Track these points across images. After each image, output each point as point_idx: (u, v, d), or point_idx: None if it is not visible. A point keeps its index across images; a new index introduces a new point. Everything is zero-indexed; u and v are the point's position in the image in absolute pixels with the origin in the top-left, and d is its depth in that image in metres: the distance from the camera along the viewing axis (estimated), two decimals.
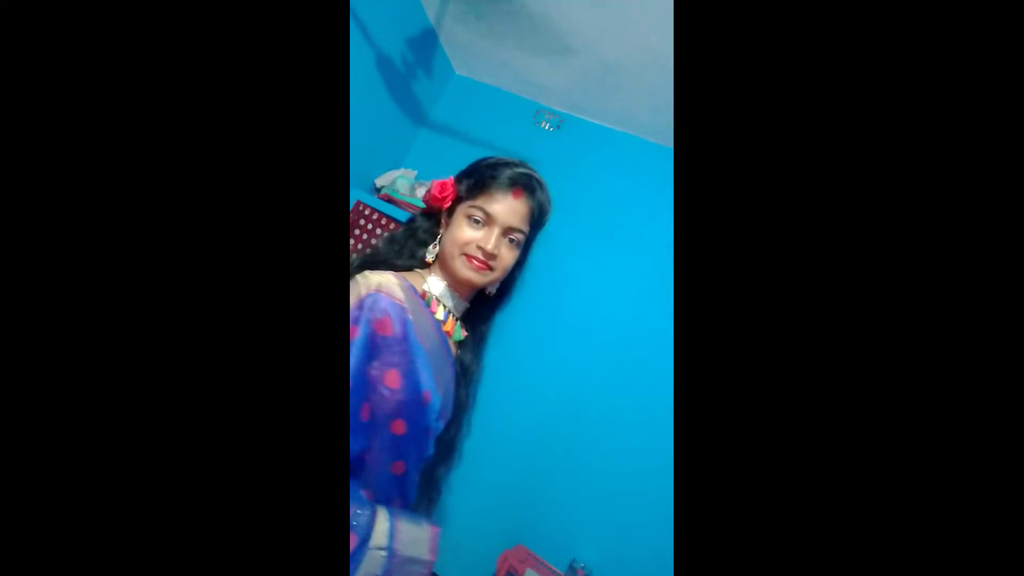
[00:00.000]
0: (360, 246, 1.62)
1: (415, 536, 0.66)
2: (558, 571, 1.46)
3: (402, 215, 1.60)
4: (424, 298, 0.71)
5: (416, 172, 1.87)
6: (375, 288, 0.64)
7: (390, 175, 1.80)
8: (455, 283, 0.73)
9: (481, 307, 0.81)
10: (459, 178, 0.75)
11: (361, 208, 1.64)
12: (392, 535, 0.63)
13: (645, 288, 1.69)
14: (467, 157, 2.09)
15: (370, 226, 1.63)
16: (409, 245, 0.76)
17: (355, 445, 0.62)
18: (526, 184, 0.71)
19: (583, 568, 1.45)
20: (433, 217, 0.77)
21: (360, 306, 0.62)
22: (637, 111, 1.72)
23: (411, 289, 0.69)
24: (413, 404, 0.66)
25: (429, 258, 0.74)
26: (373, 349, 0.62)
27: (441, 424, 0.74)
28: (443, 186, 0.74)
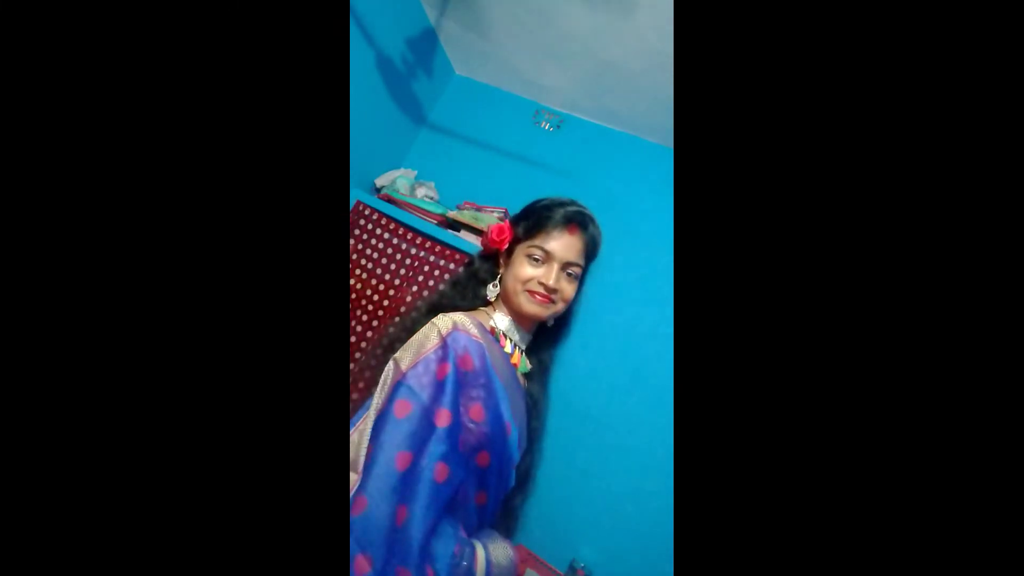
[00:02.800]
0: (360, 246, 1.62)
1: (504, 564, 0.67)
2: (558, 571, 1.46)
3: (402, 215, 1.60)
4: (493, 334, 0.74)
5: (416, 172, 1.87)
6: (453, 327, 0.67)
7: (390, 175, 1.80)
8: (519, 318, 0.77)
9: (540, 338, 0.84)
10: (515, 221, 0.79)
11: (361, 208, 1.64)
12: (488, 571, 0.64)
13: (645, 288, 1.69)
14: (467, 157, 2.08)
15: (370, 226, 1.63)
16: (471, 286, 0.80)
17: (456, 478, 0.63)
18: (579, 221, 0.76)
19: (583, 568, 1.45)
20: (492, 259, 0.81)
21: (444, 345, 0.65)
22: (637, 111, 1.72)
23: (481, 326, 0.72)
24: (496, 436, 0.68)
25: (491, 297, 0.78)
26: (459, 384, 0.65)
27: (519, 455, 0.76)
28: (500, 230, 0.78)
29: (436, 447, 0.60)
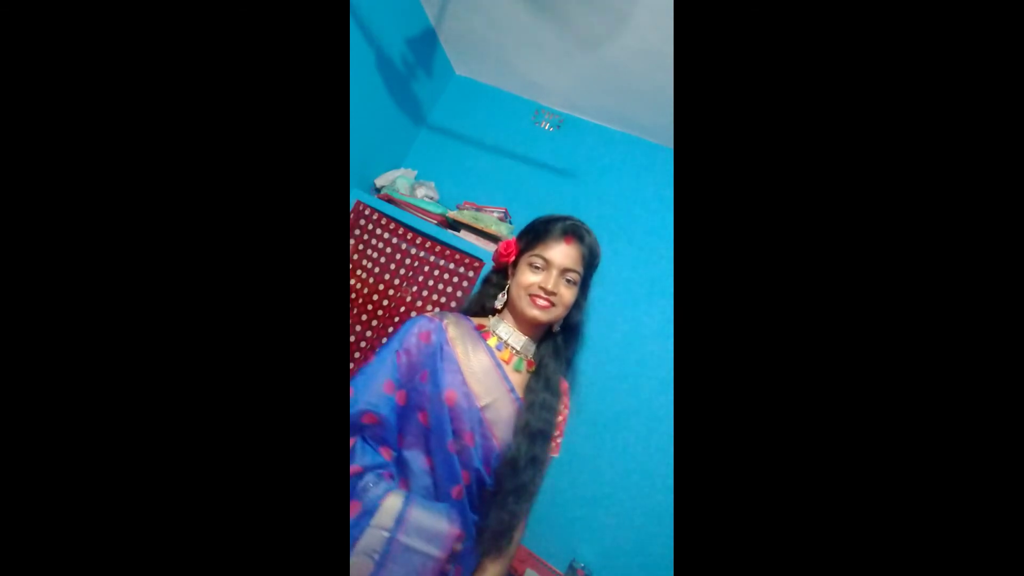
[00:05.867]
0: (360, 246, 1.62)
1: (426, 528, 0.70)
2: (558, 571, 1.46)
3: (402, 215, 1.60)
4: (480, 329, 0.86)
5: (416, 172, 1.87)
6: (423, 314, 0.85)
7: (390, 175, 1.80)
8: (522, 322, 0.85)
9: (550, 348, 0.88)
10: (520, 236, 0.89)
11: (361, 208, 1.64)
12: (400, 519, 0.68)
13: (645, 288, 1.69)
14: (467, 157, 2.07)
15: (370, 226, 1.63)
16: (482, 298, 0.91)
17: (373, 407, 0.75)
18: (576, 232, 0.84)
19: (583, 568, 1.45)
20: (501, 272, 0.92)
21: (410, 321, 0.83)
22: (637, 111, 1.72)
23: (464, 320, 0.86)
24: (435, 400, 0.77)
25: (498, 305, 0.88)
26: (417, 353, 0.79)
27: (493, 447, 0.78)
28: (507, 245, 0.88)
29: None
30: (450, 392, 0.77)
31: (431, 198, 1.75)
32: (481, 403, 0.79)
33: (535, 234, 0.85)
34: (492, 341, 0.85)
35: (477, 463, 0.77)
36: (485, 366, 0.81)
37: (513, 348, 0.85)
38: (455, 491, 0.76)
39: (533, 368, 0.86)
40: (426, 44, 1.84)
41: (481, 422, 0.78)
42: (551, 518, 1.55)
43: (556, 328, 0.88)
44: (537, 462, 0.80)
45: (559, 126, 1.93)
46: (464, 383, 0.78)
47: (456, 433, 0.76)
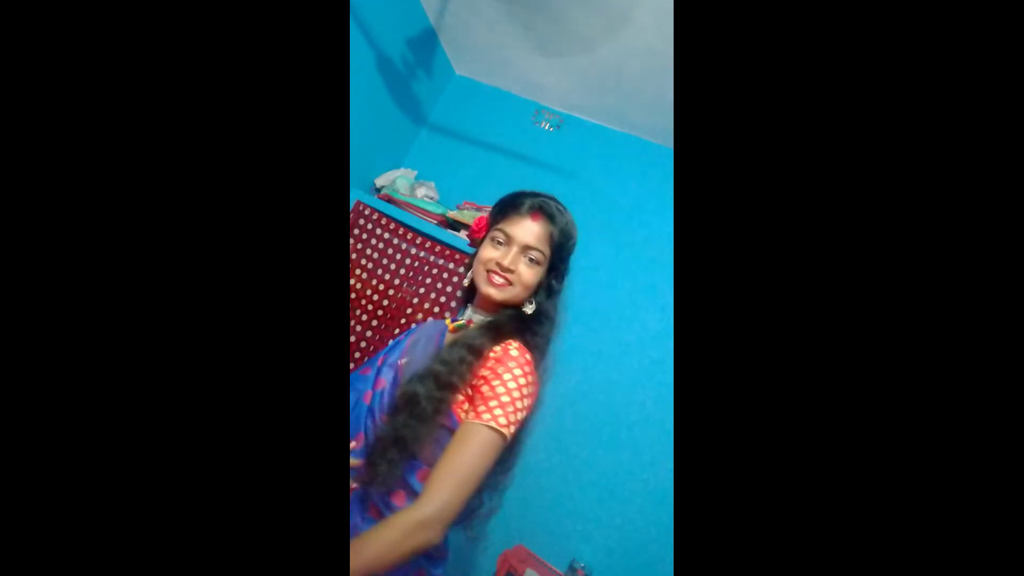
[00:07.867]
0: (360, 246, 1.62)
1: None
2: (558, 571, 1.46)
3: (402, 215, 1.60)
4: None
5: (416, 172, 1.87)
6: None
7: (390, 175, 1.80)
8: (482, 301, 0.82)
9: (515, 315, 0.81)
10: (491, 211, 0.86)
11: (361, 208, 1.64)
12: None
13: (645, 288, 1.69)
14: (467, 157, 2.07)
15: (370, 226, 1.63)
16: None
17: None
18: (544, 210, 0.80)
19: (583, 568, 1.45)
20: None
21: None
22: (637, 111, 1.72)
23: (438, 321, 0.90)
24: (372, 365, 0.86)
25: (465, 282, 0.87)
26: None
27: (391, 382, 0.78)
28: (480, 220, 0.86)
29: None
30: (384, 355, 0.84)
31: (431, 198, 1.75)
32: (404, 357, 0.81)
33: (501, 208, 0.81)
34: (447, 320, 0.87)
35: (376, 406, 0.75)
36: (428, 336, 0.84)
37: (462, 319, 0.84)
38: (354, 441, 0.75)
39: (470, 324, 0.82)
40: (426, 44, 1.84)
41: (396, 370, 0.80)
42: (551, 518, 1.55)
43: (527, 309, 0.81)
44: (438, 380, 0.71)
45: (559, 126, 1.93)
46: (402, 348, 0.83)
47: (374, 385, 0.79)
